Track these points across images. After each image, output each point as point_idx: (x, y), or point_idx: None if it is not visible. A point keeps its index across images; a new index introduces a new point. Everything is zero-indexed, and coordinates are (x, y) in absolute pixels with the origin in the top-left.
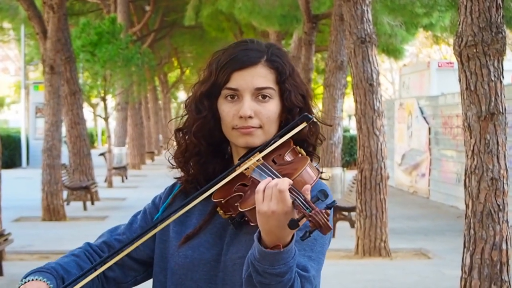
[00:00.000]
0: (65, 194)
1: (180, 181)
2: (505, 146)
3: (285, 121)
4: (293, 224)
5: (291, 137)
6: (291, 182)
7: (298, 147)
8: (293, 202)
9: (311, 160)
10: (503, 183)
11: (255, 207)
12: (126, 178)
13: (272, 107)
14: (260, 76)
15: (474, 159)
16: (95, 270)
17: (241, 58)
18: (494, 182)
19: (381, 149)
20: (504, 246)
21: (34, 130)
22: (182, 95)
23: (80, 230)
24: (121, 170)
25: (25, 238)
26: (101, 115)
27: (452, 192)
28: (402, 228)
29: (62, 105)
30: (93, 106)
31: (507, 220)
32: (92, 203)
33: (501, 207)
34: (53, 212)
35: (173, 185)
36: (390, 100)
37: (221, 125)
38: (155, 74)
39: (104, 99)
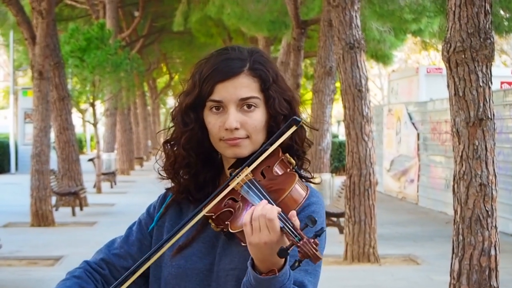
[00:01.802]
0: (53, 199)
1: (171, 191)
2: (494, 151)
3: (271, 128)
4: (282, 253)
5: (279, 146)
6: (279, 210)
7: (287, 155)
8: (281, 228)
9: (302, 164)
10: (492, 188)
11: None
12: (115, 183)
13: (258, 116)
14: (243, 86)
15: (462, 164)
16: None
17: (223, 69)
18: (482, 188)
19: (369, 155)
20: (492, 252)
21: (22, 135)
22: (171, 100)
23: (68, 236)
24: (110, 175)
25: (14, 243)
26: (90, 120)
27: (441, 198)
28: (391, 234)
29: (51, 110)
30: (82, 111)
31: (495, 226)
32: (81, 209)
33: (489, 212)
34: (41, 217)
35: (165, 194)
36: (379, 106)
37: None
38: (144, 80)
39: (93, 105)
